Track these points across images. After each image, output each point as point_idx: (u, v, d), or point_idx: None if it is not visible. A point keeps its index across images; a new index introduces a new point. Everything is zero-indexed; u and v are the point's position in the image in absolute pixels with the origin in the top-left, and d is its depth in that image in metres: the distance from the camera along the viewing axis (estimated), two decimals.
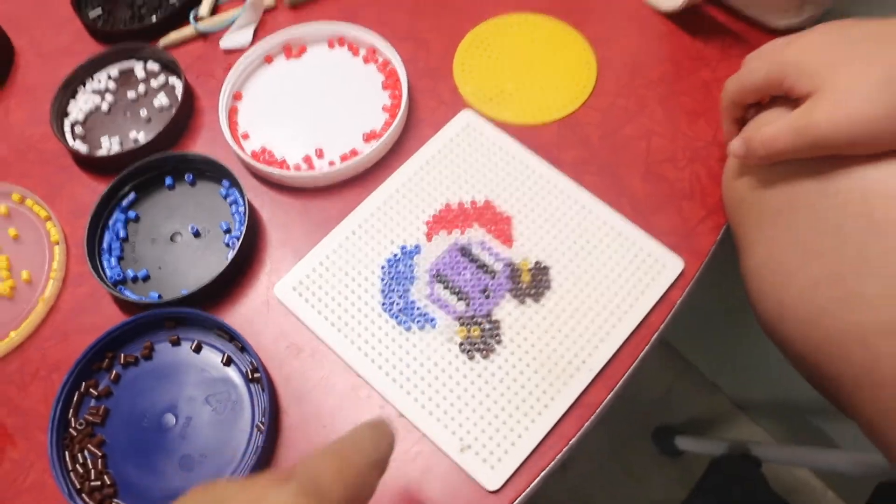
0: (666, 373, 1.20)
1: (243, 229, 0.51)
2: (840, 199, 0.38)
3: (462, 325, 0.48)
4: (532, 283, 0.49)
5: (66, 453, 0.46)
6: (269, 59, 0.61)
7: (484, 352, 0.47)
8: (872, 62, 0.37)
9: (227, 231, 0.53)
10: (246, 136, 0.57)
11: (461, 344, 0.47)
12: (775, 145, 0.40)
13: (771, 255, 0.42)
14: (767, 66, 0.42)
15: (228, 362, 0.48)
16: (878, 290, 0.36)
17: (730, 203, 0.47)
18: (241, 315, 0.50)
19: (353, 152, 0.55)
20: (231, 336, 0.48)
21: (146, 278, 0.52)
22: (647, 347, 0.47)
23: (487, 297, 0.48)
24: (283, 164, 0.55)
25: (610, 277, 0.49)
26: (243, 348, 0.47)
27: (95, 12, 0.66)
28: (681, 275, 0.49)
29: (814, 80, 0.39)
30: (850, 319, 0.37)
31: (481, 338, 0.47)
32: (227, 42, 0.62)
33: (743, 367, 1.08)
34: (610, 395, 0.46)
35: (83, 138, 0.59)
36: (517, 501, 0.43)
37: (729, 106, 0.46)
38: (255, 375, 0.47)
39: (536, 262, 0.49)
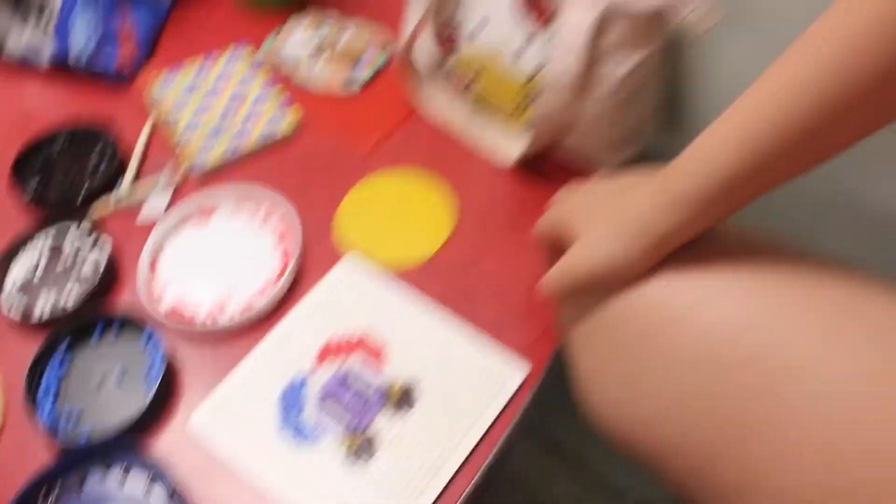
0: (574, 485, 1.26)
1: (161, 372, 0.60)
2: (618, 318, 0.45)
3: (347, 435, 0.58)
4: (402, 398, 0.60)
5: None
6: (183, 222, 0.72)
7: (366, 456, 0.57)
8: (613, 211, 0.44)
9: (149, 372, 0.62)
10: (162, 295, 0.68)
11: (347, 449, 0.57)
12: (552, 285, 0.49)
13: (586, 371, 0.49)
14: (553, 216, 0.52)
15: (154, 479, 0.56)
16: (652, 409, 0.43)
17: (557, 324, 0.57)
18: (163, 442, 0.59)
19: (253, 301, 0.66)
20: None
21: (79, 416, 0.61)
22: (501, 440, 0.59)
23: (366, 412, 0.59)
24: (193, 316, 0.66)
25: (468, 384, 0.60)
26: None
27: (34, 181, 0.76)
28: (527, 377, 0.61)
29: (577, 229, 0.47)
30: (641, 428, 0.44)
31: (363, 445, 0.57)
32: (144, 214, 0.73)
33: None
34: (471, 485, 0.56)
35: (21, 298, 0.68)
36: None
37: (539, 244, 0.56)
38: (177, 494, 0.55)
39: (404, 382, 0.61)
